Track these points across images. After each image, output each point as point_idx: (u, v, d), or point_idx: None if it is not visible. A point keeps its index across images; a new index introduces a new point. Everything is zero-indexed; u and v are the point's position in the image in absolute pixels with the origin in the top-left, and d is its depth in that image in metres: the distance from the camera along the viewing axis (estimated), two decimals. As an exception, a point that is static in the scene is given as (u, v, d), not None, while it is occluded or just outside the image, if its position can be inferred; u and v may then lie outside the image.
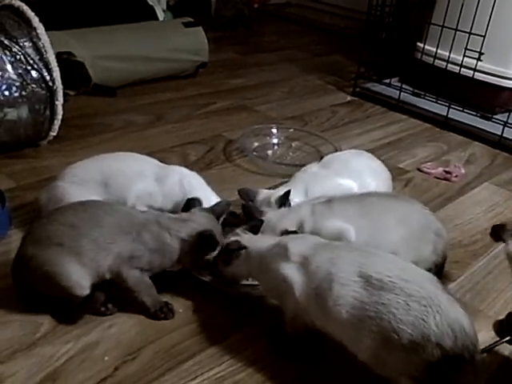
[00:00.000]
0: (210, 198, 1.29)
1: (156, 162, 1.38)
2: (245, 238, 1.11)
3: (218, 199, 1.32)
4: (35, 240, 1.04)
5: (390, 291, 0.86)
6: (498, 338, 1.12)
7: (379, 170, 1.47)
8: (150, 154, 1.40)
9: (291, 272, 0.98)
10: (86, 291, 1.05)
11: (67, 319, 1.08)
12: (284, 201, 1.26)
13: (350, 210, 1.18)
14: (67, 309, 1.08)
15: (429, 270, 0.99)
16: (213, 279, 1.19)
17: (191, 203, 1.20)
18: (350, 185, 1.39)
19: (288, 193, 1.28)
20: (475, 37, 2.10)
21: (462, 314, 0.86)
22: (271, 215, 1.21)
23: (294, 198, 1.32)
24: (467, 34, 2.12)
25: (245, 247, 1.08)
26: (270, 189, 1.46)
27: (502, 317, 1.19)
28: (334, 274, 0.92)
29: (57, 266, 1.02)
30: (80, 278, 1.03)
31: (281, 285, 1.00)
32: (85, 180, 1.29)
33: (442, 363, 0.83)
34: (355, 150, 1.64)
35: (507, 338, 1.11)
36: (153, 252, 1.08)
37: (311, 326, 0.99)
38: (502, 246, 1.46)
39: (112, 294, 1.11)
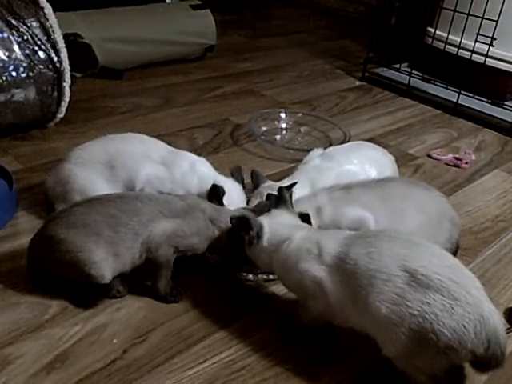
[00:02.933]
0: (227, 186, 1.26)
1: (165, 145, 1.36)
2: (267, 219, 1.05)
3: (234, 182, 1.31)
4: (69, 224, 1.03)
5: (436, 291, 0.83)
6: (508, 326, 1.11)
7: (382, 159, 1.44)
8: (157, 138, 1.38)
9: (324, 275, 0.93)
10: (108, 281, 1.05)
11: (77, 302, 1.08)
12: (283, 192, 1.21)
13: (369, 197, 1.17)
14: (78, 292, 1.08)
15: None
16: (223, 264, 1.18)
17: (219, 191, 1.20)
18: (354, 172, 1.36)
19: (293, 185, 1.23)
20: (487, 22, 2.07)
21: (500, 325, 0.85)
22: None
23: (299, 191, 1.28)
24: (479, 19, 2.09)
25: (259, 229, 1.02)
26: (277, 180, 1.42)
27: (512, 304, 1.18)
28: (375, 270, 0.87)
29: (89, 254, 1.01)
30: (108, 269, 1.03)
31: (311, 287, 0.95)
32: (91, 161, 1.28)
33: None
34: (356, 141, 1.62)
35: (518, 326, 1.11)
36: (194, 236, 1.09)
37: (335, 323, 0.97)
38: (512, 233, 1.46)
39: (123, 275, 1.10)
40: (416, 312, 0.83)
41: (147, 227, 1.05)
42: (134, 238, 1.04)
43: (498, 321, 0.85)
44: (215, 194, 1.20)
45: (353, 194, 1.16)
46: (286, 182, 1.30)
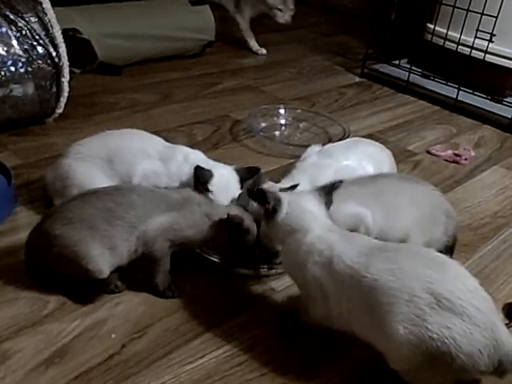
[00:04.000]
0: (219, 171, 1.25)
1: (162, 140, 1.36)
2: (287, 195, 0.99)
3: (227, 168, 1.29)
4: (66, 219, 1.03)
5: (457, 315, 0.81)
6: (507, 321, 1.11)
7: (379, 154, 1.44)
8: (156, 134, 1.38)
9: (330, 284, 0.90)
10: (106, 275, 1.05)
11: (75, 297, 1.08)
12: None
13: (364, 193, 1.16)
14: (77, 287, 1.08)
15: (440, 252, 0.97)
16: (221, 259, 1.18)
17: (204, 173, 1.19)
18: (353, 171, 1.36)
19: (294, 186, 1.23)
20: (487, 18, 2.07)
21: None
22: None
23: (299, 188, 1.28)
24: (479, 15, 2.09)
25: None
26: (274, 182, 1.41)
27: (511, 300, 1.18)
28: (396, 289, 0.84)
29: (86, 249, 1.01)
30: (106, 263, 1.03)
31: (313, 291, 0.93)
32: (90, 157, 1.28)
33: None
34: (354, 137, 1.62)
35: (517, 322, 1.11)
36: (190, 229, 1.08)
37: (335, 328, 0.96)
38: (511, 229, 1.46)
39: (121, 271, 1.10)
40: (435, 335, 0.81)
41: (143, 221, 1.05)
42: (130, 231, 1.04)
43: (510, 343, 0.85)
44: (199, 177, 1.19)
45: (347, 191, 1.16)
46: (285, 182, 1.29)
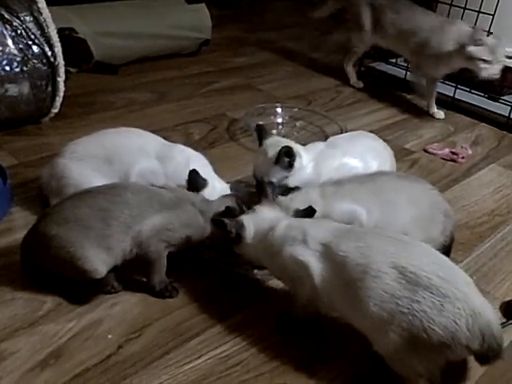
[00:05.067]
0: (213, 184, 1.26)
1: (161, 139, 1.35)
2: (250, 217, 1.06)
3: (223, 184, 1.30)
4: (61, 220, 1.02)
5: (425, 288, 0.83)
6: (504, 320, 1.11)
7: (383, 150, 1.45)
8: (153, 133, 1.37)
9: (310, 259, 0.94)
10: (102, 275, 1.04)
11: (71, 298, 1.07)
12: (266, 188, 1.17)
13: (361, 191, 1.16)
14: (73, 288, 1.08)
15: (437, 251, 0.97)
16: (219, 259, 1.18)
17: (197, 179, 1.19)
18: (356, 165, 1.36)
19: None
20: (484, 16, 2.06)
21: (493, 317, 0.85)
22: (282, 198, 1.18)
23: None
24: (476, 13, 2.08)
25: (240, 228, 1.03)
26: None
27: (508, 298, 1.18)
28: (365, 264, 0.87)
29: (82, 249, 1.01)
30: (102, 263, 1.03)
31: (296, 271, 0.96)
32: (86, 156, 1.27)
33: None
34: (358, 130, 1.62)
35: (514, 320, 1.11)
36: (185, 229, 1.08)
37: (323, 312, 0.97)
38: (508, 228, 1.46)
39: (117, 271, 1.10)
40: (405, 310, 0.83)
41: (138, 222, 1.04)
42: (125, 231, 1.03)
43: (490, 314, 0.85)
44: (192, 182, 1.19)
45: (344, 189, 1.16)
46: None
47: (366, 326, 0.90)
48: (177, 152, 1.32)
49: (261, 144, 1.38)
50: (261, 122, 1.85)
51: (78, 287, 1.07)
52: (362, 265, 0.88)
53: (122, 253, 1.05)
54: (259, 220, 1.05)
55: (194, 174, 1.20)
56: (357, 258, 0.89)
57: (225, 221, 1.03)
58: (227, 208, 1.09)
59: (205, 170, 1.29)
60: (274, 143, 1.34)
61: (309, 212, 1.07)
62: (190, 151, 1.34)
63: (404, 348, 0.85)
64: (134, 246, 1.05)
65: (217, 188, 1.26)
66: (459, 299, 0.82)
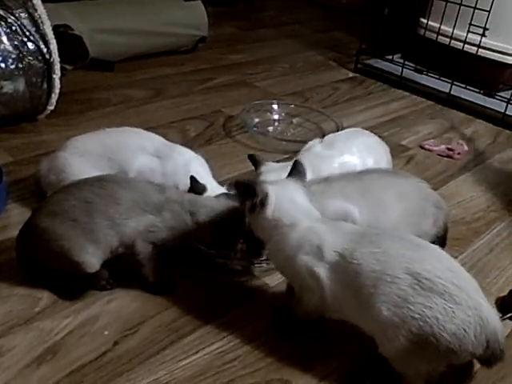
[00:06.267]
0: (212, 187, 1.25)
1: (161, 139, 1.35)
2: (275, 189, 0.97)
3: (220, 189, 1.28)
4: (50, 213, 1.02)
5: (438, 295, 0.82)
6: (500, 315, 1.11)
7: (379, 147, 1.45)
8: (149, 130, 1.37)
9: (323, 270, 0.91)
10: (95, 269, 1.04)
11: (68, 294, 1.07)
12: (299, 166, 1.11)
13: (350, 189, 1.16)
14: (69, 284, 1.08)
15: (432, 243, 0.97)
16: (215, 254, 1.18)
17: (197, 186, 1.18)
18: (354, 162, 1.36)
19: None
20: (480, 12, 2.07)
21: (499, 325, 0.86)
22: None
23: None
24: (471, 9, 2.09)
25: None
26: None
27: (504, 294, 1.18)
28: (380, 271, 0.86)
29: (70, 242, 1.01)
30: (91, 256, 1.02)
31: (308, 280, 0.93)
32: (87, 152, 1.27)
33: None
34: (353, 128, 1.62)
35: (509, 315, 1.12)
36: (170, 230, 1.07)
37: (327, 316, 0.97)
38: (504, 223, 1.46)
39: (112, 268, 1.10)
40: (417, 315, 0.83)
41: (123, 219, 1.03)
42: (111, 225, 1.02)
43: (496, 321, 0.86)
44: (192, 188, 1.17)
45: (334, 188, 1.15)
46: (285, 167, 1.28)
47: (376, 330, 0.89)
48: (177, 153, 1.31)
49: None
50: (257, 119, 1.88)
51: (74, 283, 1.07)
52: (377, 271, 0.86)
53: (109, 247, 1.04)
54: (285, 198, 0.97)
55: (192, 180, 1.19)
56: (371, 265, 0.87)
57: (255, 186, 0.95)
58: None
59: (203, 174, 1.28)
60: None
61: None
62: (190, 153, 1.34)
63: (410, 351, 0.84)
64: (119, 243, 1.04)
65: (215, 192, 1.25)
66: (470, 307, 0.82)
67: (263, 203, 0.95)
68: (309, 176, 1.28)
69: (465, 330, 0.82)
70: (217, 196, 1.18)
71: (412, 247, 0.89)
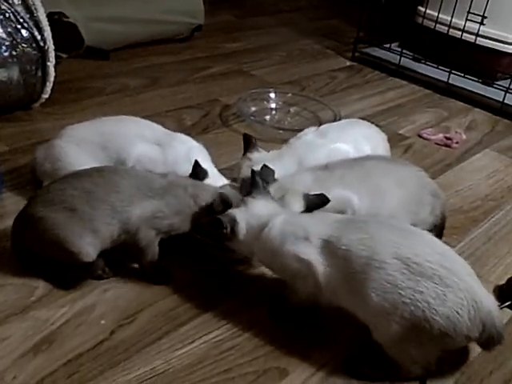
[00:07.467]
0: (213, 175, 1.23)
1: (161, 127, 1.33)
2: (242, 211, 1.00)
3: (222, 178, 1.27)
4: (47, 202, 1.01)
5: (428, 279, 0.82)
6: (498, 303, 1.11)
7: (375, 136, 1.44)
8: (145, 118, 1.36)
9: (314, 257, 0.91)
10: (92, 258, 1.03)
11: (64, 284, 1.06)
12: (256, 178, 1.09)
13: (351, 176, 1.15)
14: (65, 273, 1.07)
15: (429, 232, 0.97)
16: (211, 244, 1.16)
17: (199, 172, 1.16)
18: (346, 150, 1.35)
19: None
20: (478, 0, 2.05)
21: (494, 307, 0.86)
22: (273, 186, 1.16)
23: (285, 167, 1.27)
24: (470, -3, 2.07)
25: (233, 225, 0.98)
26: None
27: (502, 282, 1.18)
28: (368, 256, 0.86)
29: (66, 231, 1.00)
30: (88, 245, 1.02)
31: (299, 269, 0.93)
32: (83, 141, 1.26)
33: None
34: (351, 118, 1.61)
35: (508, 303, 1.11)
36: (175, 215, 1.06)
37: (321, 304, 0.96)
38: (501, 212, 1.46)
39: (109, 257, 1.09)
40: (408, 300, 0.83)
41: (126, 207, 1.02)
42: (111, 214, 1.01)
43: (492, 304, 0.86)
44: (194, 174, 1.16)
45: (336, 175, 1.15)
46: (273, 156, 1.31)
47: (368, 316, 0.89)
48: (178, 141, 1.30)
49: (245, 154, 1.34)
50: (254, 108, 1.87)
51: (70, 272, 1.06)
52: (366, 257, 0.86)
53: (109, 236, 1.03)
54: (252, 214, 1.00)
55: (196, 165, 1.17)
56: (360, 251, 0.87)
57: (221, 218, 0.98)
58: (224, 200, 1.06)
59: (205, 163, 1.25)
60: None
61: (322, 199, 1.04)
62: (191, 142, 1.32)
63: (404, 337, 0.84)
64: (122, 231, 1.03)
65: (215, 176, 1.23)
66: (462, 289, 0.82)
67: (234, 231, 0.99)
68: (294, 166, 1.28)
69: (458, 313, 0.82)
70: (222, 186, 1.17)
71: (401, 233, 0.89)
